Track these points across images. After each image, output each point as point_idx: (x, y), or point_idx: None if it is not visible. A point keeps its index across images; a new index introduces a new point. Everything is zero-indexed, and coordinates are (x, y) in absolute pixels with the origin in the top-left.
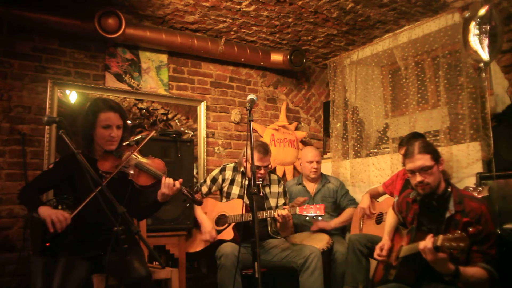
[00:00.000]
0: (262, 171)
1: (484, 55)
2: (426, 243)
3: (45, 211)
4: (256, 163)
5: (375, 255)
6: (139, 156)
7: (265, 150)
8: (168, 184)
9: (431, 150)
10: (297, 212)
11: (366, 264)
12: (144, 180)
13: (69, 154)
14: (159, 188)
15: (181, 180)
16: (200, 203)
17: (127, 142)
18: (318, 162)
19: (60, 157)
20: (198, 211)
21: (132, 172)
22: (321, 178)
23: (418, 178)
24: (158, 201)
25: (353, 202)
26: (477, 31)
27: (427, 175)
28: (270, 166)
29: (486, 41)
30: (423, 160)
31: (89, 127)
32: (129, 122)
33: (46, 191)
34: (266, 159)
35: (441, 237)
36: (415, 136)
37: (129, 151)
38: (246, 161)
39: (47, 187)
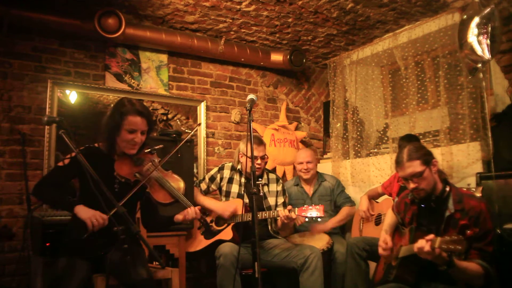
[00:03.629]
0: (259, 161)
1: (486, 54)
2: (424, 245)
3: (84, 213)
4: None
5: (380, 251)
6: (160, 170)
7: (258, 140)
8: (193, 214)
9: (420, 155)
10: (296, 214)
11: (365, 268)
12: (162, 197)
13: (85, 149)
14: (175, 207)
15: (199, 207)
16: (215, 233)
17: (149, 150)
18: (309, 162)
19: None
20: (201, 198)
21: (151, 185)
22: (317, 177)
23: (411, 185)
24: (174, 221)
25: (349, 200)
26: (478, 31)
27: (419, 181)
28: (266, 157)
29: (487, 41)
30: (412, 167)
31: (114, 128)
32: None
33: (63, 187)
34: (260, 148)
35: (439, 239)
36: (408, 137)
37: (150, 160)
38: (242, 156)
39: (64, 183)
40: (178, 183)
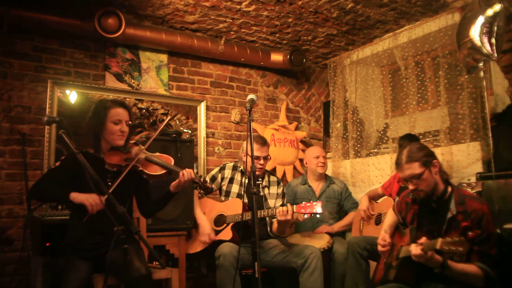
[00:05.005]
0: (261, 162)
1: (490, 52)
2: (412, 249)
3: (79, 196)
4: (255, 153)
5: (379, 248)
6: (147, 153)
7: (262, 140)
8: (189, 175)
9: (419, 157)
10: (295, 211)
11: (366, 267)
12: (155, 170)
13: (72, 155)
14: (169, 180)
15: (191, 170)
16: (211, 190)
17: (134, 141)
18: (325, 157)
19: (66, 155)
20: (198, 211)
21: (142, 164)
22: (326, 178)
23: (411, 186)
24: (171, 192)
25: (356, 206)
26: (482, 29)
27: (419, 182)
28: (269, 158)
29: (492, 40)
30: (410, 169)
31: (98, 123)
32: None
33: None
34: (264, 149)
35: (440, 240)
36: (408, 137)
37: (137, 147)
38: (245, 155)
39: (59, 182)
40: (167, 159)
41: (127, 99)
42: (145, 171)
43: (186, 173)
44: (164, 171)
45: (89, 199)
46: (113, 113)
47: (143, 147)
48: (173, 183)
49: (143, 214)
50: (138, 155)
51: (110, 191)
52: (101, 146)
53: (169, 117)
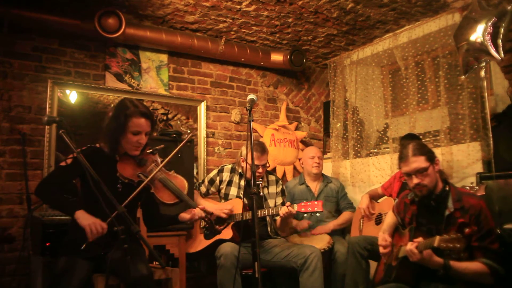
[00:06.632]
0: (260, 170)
1: (497, 53)
2: (410, 248)
3: (84, 219)
4: (254, 161)
5: (381, 250)
6: (162, 171)
7: (262, 149)
8: (200, 214)
9: (425, 151)
10: (296, 209)
11: (366, 267)
12: (167, 198)
13: (87, 150)
14: (179, 207)
15: (203, 206)
16: (219, 232)
17: (151, 150)
18: (320, 158)
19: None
20: (200, 201)
21: (155, 186)
22: (323, 178)
23: (415, 180)
24: (178, 220)
25: (351, 206)
26: (490, 30)
27: (423, 177)
28: (268, 165)
29: (498, 41)
30: (417, 162)
31: (118, 130)
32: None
33: (66, 187)
34: (263, 157)
35: (437, 238)
36: (410, 137)
37: (152, 161)
38: (243, 161)
39: (66, 183)
40: (182, 183)
41: None
42: (157, 195)
43: (198, 213)
44: (176, 200)
45: (92, 226)
46: (134, 123)
47: (159, 164)
48: (183, 215)
49: (145, 224)
50: (152, 172)
51: (123, 205)
52: (118, 148)
53: (191, 135)
